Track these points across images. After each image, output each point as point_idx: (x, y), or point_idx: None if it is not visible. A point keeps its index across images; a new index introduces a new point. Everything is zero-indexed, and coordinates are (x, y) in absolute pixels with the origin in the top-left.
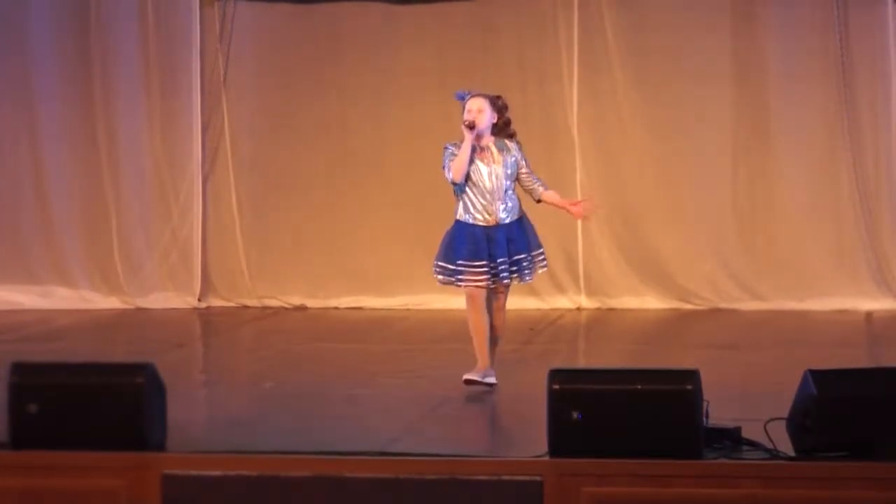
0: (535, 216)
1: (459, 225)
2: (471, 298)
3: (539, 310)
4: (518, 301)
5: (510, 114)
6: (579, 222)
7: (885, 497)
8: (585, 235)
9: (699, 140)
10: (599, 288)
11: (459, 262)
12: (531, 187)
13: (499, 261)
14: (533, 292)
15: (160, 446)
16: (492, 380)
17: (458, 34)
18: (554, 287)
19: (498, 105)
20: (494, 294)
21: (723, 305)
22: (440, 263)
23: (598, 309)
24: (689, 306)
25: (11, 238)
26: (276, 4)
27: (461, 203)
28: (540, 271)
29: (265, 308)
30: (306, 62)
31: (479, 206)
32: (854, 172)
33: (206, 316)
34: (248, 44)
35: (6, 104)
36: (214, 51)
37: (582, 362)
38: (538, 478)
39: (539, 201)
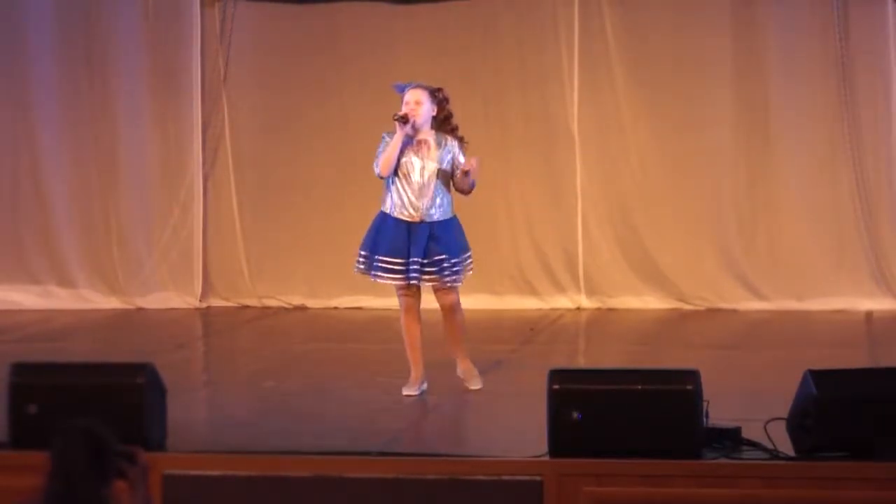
0: (535, 215)
1: (384, 217)
2: (400, 302)
3: (539, 310)
4: (518, 301)
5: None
6: (579, 222)
7: (885, 497)
8: (585, 235)
9: (699, 140)
10: (599, 288)
11: (377, 256)
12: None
13: (411, 259)
14: (533, 292)
15: (160, 446)
16: (424, 387)
17: (458, 34)
18: (554, 287)
19: (438, 98)
20: (437, 296)
21: (723, 305)
22: (362, 252)
23: (598, 309)
24: (689, 306)
25: (11, 238)
26: (276, 4)
27: (389, 195)
28: (468, 274)
29: (265, 308)
30: (306, 62)
31: (405, 201)
32: (854, 172)
33: (207, 316)
34: (248, 44)
35: (6, 104)
36: (214, 51)
37: (582, 362)
38: (538, 478)
39: (463, 192)
